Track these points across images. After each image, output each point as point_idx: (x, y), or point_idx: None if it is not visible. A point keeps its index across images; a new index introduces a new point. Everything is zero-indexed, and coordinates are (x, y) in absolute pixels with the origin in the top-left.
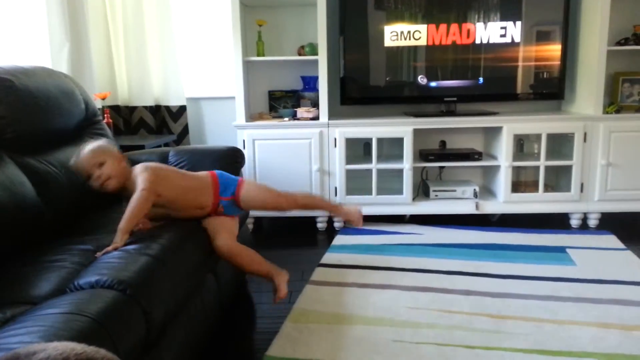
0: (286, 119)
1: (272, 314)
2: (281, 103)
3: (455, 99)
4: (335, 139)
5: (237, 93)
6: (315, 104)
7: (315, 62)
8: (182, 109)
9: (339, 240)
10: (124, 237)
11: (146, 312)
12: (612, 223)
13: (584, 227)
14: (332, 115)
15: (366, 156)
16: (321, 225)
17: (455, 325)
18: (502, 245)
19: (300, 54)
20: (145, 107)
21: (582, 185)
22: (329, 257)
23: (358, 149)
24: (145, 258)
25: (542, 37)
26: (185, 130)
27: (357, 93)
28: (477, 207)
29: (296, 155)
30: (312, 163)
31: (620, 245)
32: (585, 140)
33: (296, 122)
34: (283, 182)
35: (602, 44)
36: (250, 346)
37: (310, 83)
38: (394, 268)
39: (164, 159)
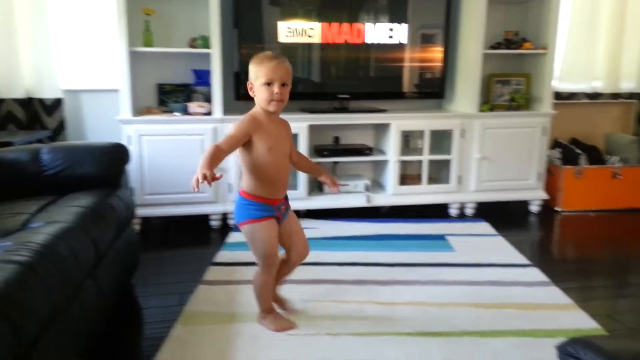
0: (177, 114)
1: (162, 318)
2: (171, 97)
3: (348, 96)
4: None
5: (122, 85)
6: (208, 99)
7: (208, 55)
8: (58, 101)
9: (233, 237)
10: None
11: (16, 325)
12: (486, 211)
13: (461, 216)
14: (227, 110)
15: None
16: (215, 223)
17: (347, 314)
18: (391, 236)
19: (192, 46)
20: (15, 100)
21: (459, 177)
22: (222, 255)
23: None
24: (15, 266)
25: (426, 39)
26: (61, 126)
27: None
28: (368, 200)
29: (188, 152)
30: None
31: (493, 231)
32: (462, 136)
33: (188, 117)
34: (173, 180)
35: (479, 48)
36: (138, 353)
37: (203, 77)
38: None
39: (34, 157)
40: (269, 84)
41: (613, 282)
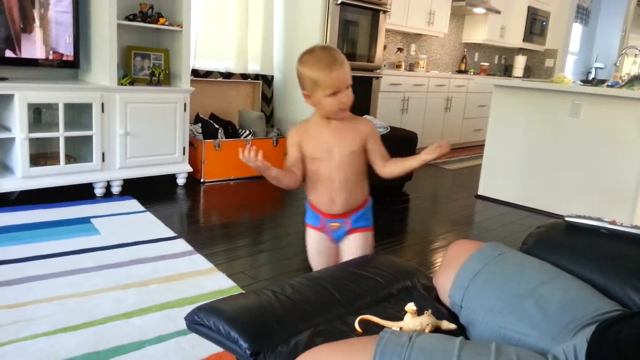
0: None
1: None
2: None
3: None
4: None
5: None
6: None
7: None
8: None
9: None
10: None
11: None
12: (133, 188)
13: (108, 195)
14: None
15: None
16: None
17: None
18: (22, 226)
19: None
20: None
21: (103, 154)
22: None
23: None
24: None
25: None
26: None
27: None
28: None
29: None
30: None
31: (141, 208)
32: (103, 110)
33: None
34: None
35: (112, 17)
36: None
37: None
38: None
39: None
40: (335, 93)
41: (249, 242)
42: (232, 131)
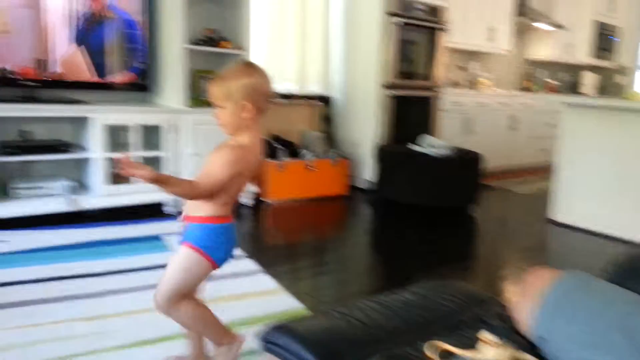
0: None
1: None
2: None
3: (38, 84)
4: None
5: None
6: None
7: None
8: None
9: None
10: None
11: None
12: None
13: (178, 214)
14: None
15: None
16: None
17: (43, 338)
18: (99, 242)
19: None
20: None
21: (173, 174)
22: None
23: None
24: None
25: (131, 28)
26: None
27: None
28: (70, 203)
29: None
30: None
31: None
32: (172, 131)
33: None
34: None
35: (181, 42)
36: None
37: None
38: None
39: None
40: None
41: (313, 263)
42: (294, 152)
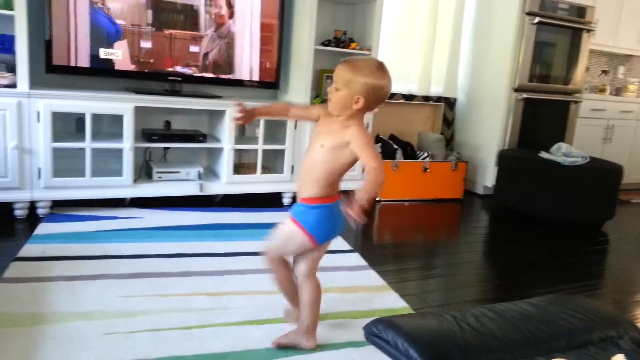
0: None
1: None
2: None
3: (180, 78)
4: (38, 112)
5: None
6: (11, 69)
7: (11, 18)
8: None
9: (44, 228)
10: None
11: None
12: None
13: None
14: (35, 84)
15: (79, 133)
16: (20, 212)
17: (171, 308)
18: (223, 225)
19: None
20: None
21: (292, 167)
22: (28, 249)
23: (69, 125)
24: None
25: (264, 29)
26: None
27: (67, 60)
28: (201, 188)
29: None
30: (8, 139)
31: None
32: (295, 127)
33: None
34: None
35: (310, 43)
36: None
37: (5, 43)
38: (108, 256)
39: None
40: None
41: (421, 265)
42: (410, 152)
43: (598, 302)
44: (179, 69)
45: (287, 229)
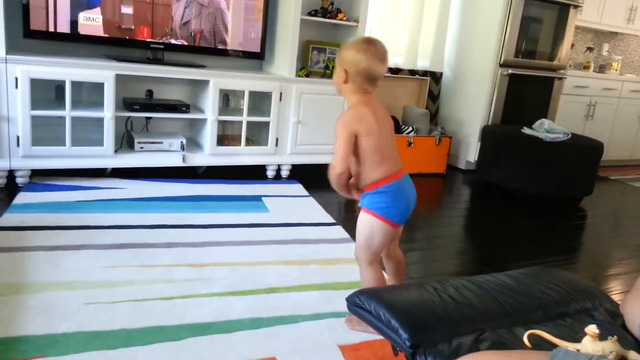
0: None
1: None
2: None
3: (162, 46)
4: (16, 78)
5: None
6: None
7: None
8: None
9: (23, 198)
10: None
11: None
12: (300, 173)
13: (277, 178)
14: (12, 49)
15: (59, 101)
16: None
17: (154, 279)
18: (206, 197)
19: None
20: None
21: (277, 140)
22: (7, 219)
23: (48, 93)
24: None
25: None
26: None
27: (45, 26)
28: (184, 159)
29: None
30: None
31: (305, 192)
32: (281, 99)
33: None
34: None
35: (297, 13)
36: None
37: None
38: (90, 226)
39: None
40: None
41: (403, 238)
42: (395, 126)
43: (575, 275)
44: (161, 37)
45: (365, 219)
